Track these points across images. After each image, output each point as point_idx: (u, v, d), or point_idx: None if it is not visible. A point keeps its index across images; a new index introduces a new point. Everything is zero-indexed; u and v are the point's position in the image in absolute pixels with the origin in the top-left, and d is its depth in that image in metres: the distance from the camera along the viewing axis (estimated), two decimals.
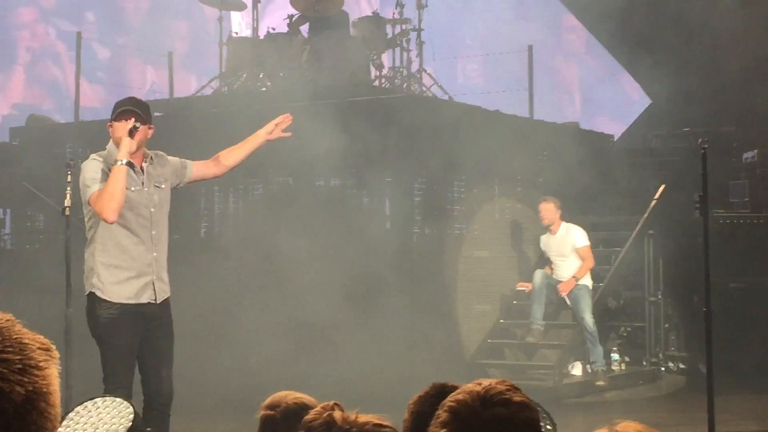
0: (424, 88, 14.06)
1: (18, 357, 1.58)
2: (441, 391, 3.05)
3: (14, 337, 1.61)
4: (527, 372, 11.87)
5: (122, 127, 6.42)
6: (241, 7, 14.78)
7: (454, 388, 3.04)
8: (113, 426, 4.42)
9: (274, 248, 11.92)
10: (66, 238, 7.24)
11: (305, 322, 11.42)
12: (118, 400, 4.58)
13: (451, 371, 10.91)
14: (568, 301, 12.01)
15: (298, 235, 11.82)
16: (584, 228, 12.09)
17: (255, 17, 14.14)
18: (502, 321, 12.69)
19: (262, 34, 14.06)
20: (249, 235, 12.50)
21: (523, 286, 12.38)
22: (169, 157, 6.78)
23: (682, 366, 12.56)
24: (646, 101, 17.80)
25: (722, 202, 13.00)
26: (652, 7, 14.75)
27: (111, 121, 6.53)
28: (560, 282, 12.00)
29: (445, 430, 2.31)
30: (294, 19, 13.96)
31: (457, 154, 12.26)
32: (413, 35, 14.12)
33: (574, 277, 11.88)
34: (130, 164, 6.43)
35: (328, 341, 11.22)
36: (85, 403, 4.54)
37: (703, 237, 7.60)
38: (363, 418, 2.69)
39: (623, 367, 12.51)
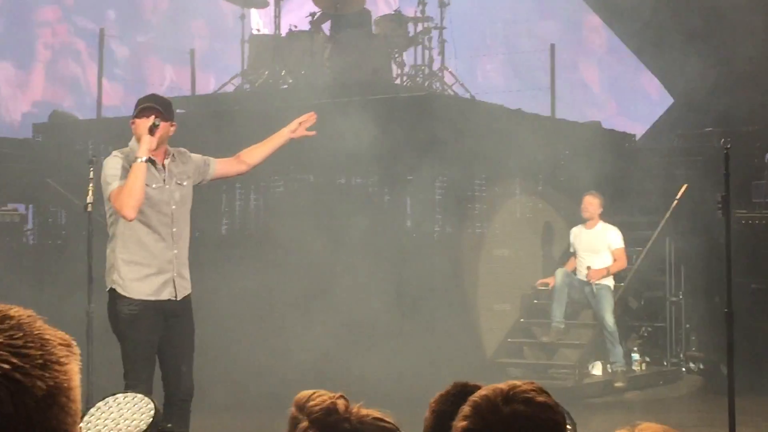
0: (446, 87, 14.05)
1: (39, 352, 1.59)
2: (462, 390, 3.06)
3: (35, 332, 1.62)
4: (547, 371, 11.86)
5: (143, 124, 6.44)
6: (263, 5, 14.80)
7: (476, 387, 3.05)
8: (134, 421, 4.45)
9: (295, 246, 11.93)
10: (88, 234, 7.27)
11: (328, 320, 11.42)
12: (138, 396, 4.61)
13: (472, 370, 10.91)
14: (590, 301, 12.01)
15: (319, 233, 11.83)
16: None
17: (277, 14, 14.16)
18: (522, 320, 12.68)
19: (283, 31, 14.08)
20: (270, 233, 12.52)
21: (544, 283, 12.39)
22: (192, 155, 6.80)
23: (702, 367, 12.52)
24: (668, 101, 17.74)
25: (744, 203, 12.93)
26: (675, 5, 14.71)
27: (133, 118, 6.55)
28: (582, 280, 12.00)
29: (465, 422, 2.33)
30: (316, 16, 13.98)
31: (479, 152, 12.25)
32: (435, 33, 14.12)
33: (606, 268, 11.91)
34: (151, 161, 6.45)
35: (347, 339, 11.22)
36: (106, 399, 4.57)
37: (725, 237, 7.57)
38: (364, 410, 2.71)
39: (644, 367, 12.48)
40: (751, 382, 10.24)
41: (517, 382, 2.40)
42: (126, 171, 6.39)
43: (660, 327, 12.84)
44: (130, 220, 6.36)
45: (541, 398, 2.36)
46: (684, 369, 12.64)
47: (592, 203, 12.09)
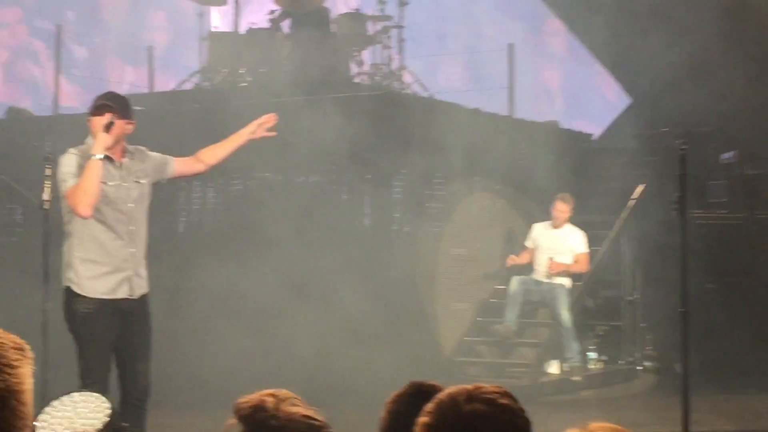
0: (405, 86, 14.07)
1: None
2: (418, 390, 3.07)
3: None
4: (504, 370, 11.90)
5: (99, 121, 6.41)
6: (222, 3, 14.75)
7: (432, 386, 3.06)
8: (90, 420, 4.42)
9: (253, 244, 11.91)
10: (44, 232, 7.22)
11: (278, 317, 11.41)
12: (95, 394, 4.58)
13: (429, 369, 10.93)
14: (545, 298, 12.08)
15: (276, 231, 11.81)
16: None
17: (236, 13, 14.12)
18: (479, 319, 12.72)
19: (242, 29, 14.04)
20: (228, 230, 12.49)
21: (513, 261, 12.38)
22: (151, 153, 6.77)
23: (658, 365, 12.61)
24: (625, 101, 17.85)
25: (700, 203, 13.06)
26: (633, 6, 14.80)
27: (89, 116, 6.52)
28: (538, 280, 12.08)
29: (426, 418, 2.35)
30: (275, 14, 13.95)
31: (437, 151, 12.27)
32: (394, 32, 14.13)
33: (568, 266, 12.02)
34: (108, 159, 6.42)
35: (297, 335, 11.21)
36: (61, 398, 4.53)
37: (681, 237, 7.63)
38: (294, 408, 2.72)
39: (600, 366, 12.55)
40: (705, 381, 10.33)
41: (484, 385, 2.41)
42: (82, 168, 6.35)
43: (616, 326, 12.91)
44: (85, 218, 6.33)
45: (503, 400, 2.37)
46: (639, 368, 12.73)
47: (563, 211, 12.15)
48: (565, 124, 15.41)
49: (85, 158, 6.40)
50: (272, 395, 2.75)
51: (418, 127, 12.27)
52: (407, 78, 14.13)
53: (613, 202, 12.97)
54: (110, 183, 6.44)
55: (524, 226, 12.74)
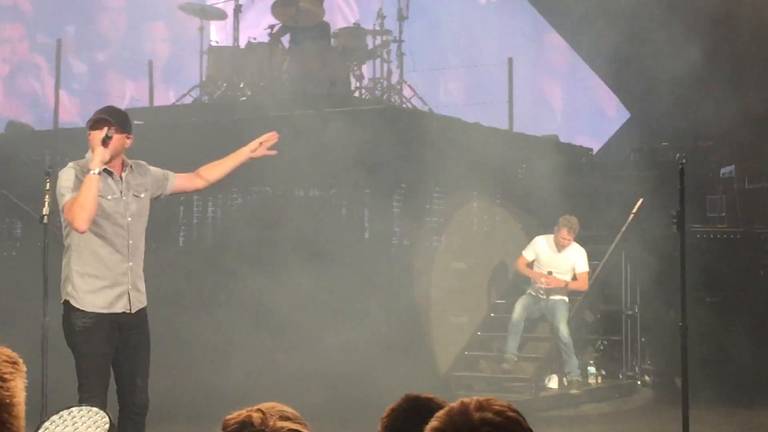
0: (404, 100, 14.10)
1: None
2: (414, 404, 3.05)
3: None
4: (504, 384, 11.89)
5: (97, 135, 6.41)
6: (222, 17, 14.78)
7: (428, 399, 3.05)
8: None
9: (252, 258, 11.91)
10: (44, 246, 7.22)
11: (282, 331, 11.40)
12: (93, 409, 4.57)
13: (428, 383, 10.92)
14: (545, 314, 12.07)
15: (276, 246, 11.82)
16: None
17: (236, 27, 14.15)
18: (479, 333, 12.71)
19: (242, 43, 14.07)
20: (227, 245, 12.49)
21: (540, 280, 12.15)
22: (151, 168, 6.76)
23: (657, 380, 12.60)
24: (625, 116, 17.87)
25: (699, 217, 13.06)
26: (632, 21, 14.83)
27: (89, 130, 6.52)
28: (537, 297, 12.10)
29: (436, 422, 2.35)
30: (275, 29, 13.98)
31: (436, 165, 12.28)
32: (394, 47, 14.16)
33: (567, 282, 12.03)
34: (108, 173, 6.42)
35: (301, 350, 11.21)
36: (60, 413, 4.53)
37: (680, 251, 7.64)
38: (282, 423, 2.72)
39: (600, 380, 12.53)
40: (705, 395, 10.33)
41: (495, 399, 2.42)
42: (80, 183, 6.35)
43: (616, 340, 12.91)
44: (82, 233, 6.32)
45: (512, 414, 2.38)
46: (639, 382, 12.72)
47: (568, 239, 12.04)
48: (565, 138, 15.42)
49: (84, 172, 6.40)
50: (260, 410, 2.75)
51: (417, 141, 12.29)
52: (407, 92, 14.16)
53: (612, 216, 12.97)
54: (109, 197, 6.43)
55: (524, 240, 12.72)
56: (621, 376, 12.76)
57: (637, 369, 12.78)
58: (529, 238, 12.56)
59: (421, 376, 11.26)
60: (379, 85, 14.04)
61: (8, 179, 13.00)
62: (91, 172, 6.30)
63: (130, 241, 6.51)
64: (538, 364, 12.09)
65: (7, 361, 1.64)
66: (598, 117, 19.10)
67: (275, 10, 13.88)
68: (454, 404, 2.39)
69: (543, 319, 12.23)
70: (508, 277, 12.97)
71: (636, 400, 12.25)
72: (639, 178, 13.83)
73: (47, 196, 7.08)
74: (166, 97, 16.03)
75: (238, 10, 14.07)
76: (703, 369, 10.35)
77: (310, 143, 11.63)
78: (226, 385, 10.89)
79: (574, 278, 12.15)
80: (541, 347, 12.32)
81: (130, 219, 6.51)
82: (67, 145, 12.67)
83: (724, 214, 13.27)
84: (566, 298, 12.07)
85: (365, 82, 14.07)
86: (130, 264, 6.51)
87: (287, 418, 2.81)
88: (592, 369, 12.43)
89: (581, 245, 12.21)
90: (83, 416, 4.52)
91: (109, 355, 6.41)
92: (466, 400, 2.39)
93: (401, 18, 14.13)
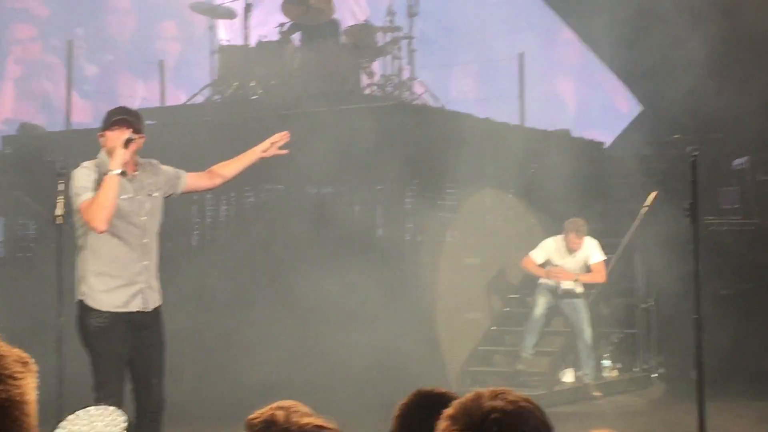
0: (415, 96, 14.09)
1: None
2: (426, 398, 3.06)
3: None
4: (519, 379, 11.88)
5: (115, 136, 6.42)
6: (232, 16, 14.79)
7: (440, 394, 3.06)
8: None
9: (267, 256, 11.93)
10: (58, 246, 7.24)
11: (298, 328, 11.42)
12: (110, 408, 4.59)
13: (442, 379, 10.94)
14: (567, 313, 11.97)
15: (290, 243, 11.84)
16: None
17: (246, 26, 14.17)
18: (493, 328, 12.71)
19: (253, 42, 14.09)
20: (241, 243, 12.51)
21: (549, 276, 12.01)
22: (163, 167, 6.78)
23: (672, 372, 12.58)
24: (636, 110, 17.84)
25: (713, 209, 13.04)
26: (642, 14, 14.81)
27: (103, 131, 6.53)
28: (557, 294, 11.92)
29: (451, 409, 2.37)
30: (285, 27, 13.99)
31: (448, 161, 12.29)
32: (404, 43, 14.16)
33: (577, 276, 11.88)
34: (122, 172, 6.44)
35: (316, 347, 11.23)
36: (77, 412, 4.55)
37: (693, 244, 7.62)
38: (306, 419, 2.72)
39: (615, 373, 12.52)
40: (720, 388, 10.30)
41: (512, 390, 2.43)
42: (96, 183, 6.37)
43: (630, 333, 12.89)
44: (101, 233, 6.34)
45: (526, 404, 2.38)
46: (654, 375, 12.70)
47: (576, 242, 11.84)
48: (577, 132, 15.41)
49: (98, 172, 6.42)
50: (281, 408, 2.76)
51: (429, 137, 12.29)
52: (418, 88, 14.15)
53: (625, 209, 12.95)
54: (123, 196, 6.45)
55: (537, 235, 12.70)
56: (636, 369, 12.75)
57: (652, 362, 12.77)
58: (543, 233, 12.52)
59: (435, 371, 11.27)
60: (389, 82, 14.04)
61: (22, 180, 13.05)
62: (112, 172, 6.33)
63: (145, 240, 6.53)
64: (552, 358, 12.08)
65: (17, 361, 1.68)
66: (610, 111, 19.08)
67: (285, 8, 13.89)
68: (469, 394, 2.41)
69: (558, 313, 12.18)
70: (521, 272, 12.96)
71: (651, 393, 12.23)
72: (651, 172, 13.81)
73: (60, 197, 7.11)
74: (176, 96, 16.06)
75: (248, 9, 14.08)
76: (718, 361, 10.31)
77: (321, 141, 11.64)
78: (247, 383, 10.92)
79: (589, 271, 12.09)
80: (555, 341, 12.31)
81: (144, 218, 6.53)
82: (80, 146, 12.69)
83: (737, 206, 13.25)
84: (581, 288, 11.95)
85: (376, 78, 14.07)
86: (145, 263, 6.53)
87: (308, 415, 2.82)
88: (607, 362, 12.41)
89: (596, 238, 12.16)
90: (100, 415, 4.53)
91: (124, 354, 6.43)
92: (482, 390, 2.40)
93: (411, 14, 14.13)
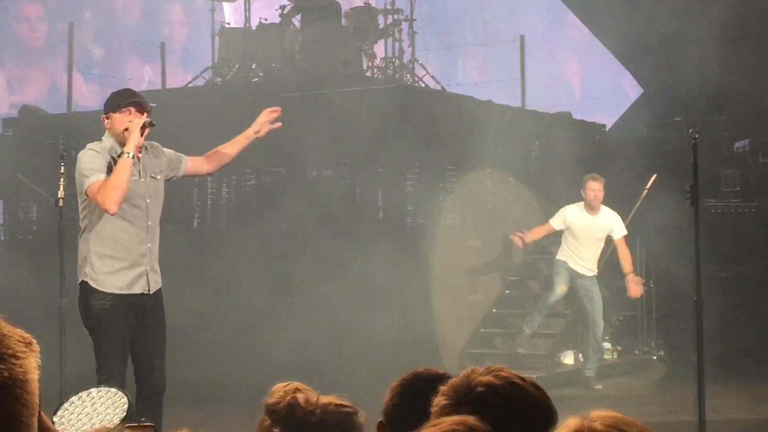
0: (417, 78, 14.09)
1: None
2: (420, 377, 3.08)
3: None
4: (519, 361, 11.90)
5: (123, 119, 6.44)
6: None
7: (433, 372, 3.08)
8: (107, 416, 4.47)
9: (267, 239, 11.95)
10: (59, 228, 7.27)
11: (299, 309, 11.45)
12: (112, 390, 4.63)
13: (443, 361, 10.97)
14: (583, 299, 11.51)
15: (290, 226, 11.85)
16: None
17: (247, 8, 14.15)
18: (494, 310, 12.73)
19: (253, 24, 14.07)
20: (242, 226, 12.53)
21: (520, 240, 11.60)
22: (165, 150, 6.80)
23: (672, 355, 12.61)
24: (638, 91, 17.84)
25: (713, 192, 13.03)
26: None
27: (109, 113, 6.53)
28: (576, 271, 11.42)
29: (445, 386, 2.38)
30: (286, 9, 13.98)
31: (450, 143, 12.30)
32: (405, 25, 14.15)
33: (630, 272, 11.40)
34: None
35: (316, 329, 11.25)
36: (79, 393, 4.58)
37: (694, 226, 7.64)
38: (324, 399, 2.74)
39: (615, 356, 12.54)
40: (720, 370, 10.33)
41: (508, 369, 2.44)
42: (103, 165, 6.38)
43: (631, 316, 12.91)
44: (112, 215, 6.35)
45: (519, 381, 2.39)
46: (654, 357, 12.73)
47: (599, 190, 11.25)
48: (578, 115, 15.40)
49: (105, 155, 6.43)
50: (297, 389, 2.77)
51: (430, 119, 12.29)
52: (419, 71, 14.15)
53: (626, 192, 12.95)
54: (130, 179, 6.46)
55: (538, 217, 12.72)
56: (636, 352, 12.78)
57: (652, 344, 12.80)
58: (544, 215, 12.50)
59: (436, 353, 11.31)
60: (391, 65, 14.04)
61: (23, 163, 13.06)
62: (126, 155, 6.34)
63: (149, 223, 6.55)
64: (553, 340, 12.11)
65: (20, 341, 1.73)
66: (612, 93, 19.08)
67: None
68: (466, 371, 2.43)
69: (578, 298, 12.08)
70: (522, 254, 12.96)
71: (651, 375, 12.26)
72: (652, 154, 13.81)
73: (62, 180, 7.12)
74: (183, 80, 16.07)
75: None
76: (718, 343, 10.34)
77: (322, 123, 11.65)
78: (247, 364, 10.96)
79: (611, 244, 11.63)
80: (556, 323, 12.33)
81: (148, 200, 6.55)
82: (81, 128, 12.71)
83: (738, 189, 13.24)
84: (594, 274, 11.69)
85: (377, 61, 14.07)
86: (149, 245, 6.55)
87: (324, 395, 2.85)
88: (607, 345, 12.43)
89: None
90: (102, 397, 4.57)
91: (127, 336, 6.46)
92: (478, 368, 2.42)
93: None
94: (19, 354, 1.71)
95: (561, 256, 11.50)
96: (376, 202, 12.55)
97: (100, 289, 6.41)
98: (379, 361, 9.98)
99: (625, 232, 11.52)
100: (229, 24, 14.84)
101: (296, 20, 14.09)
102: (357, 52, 13.74)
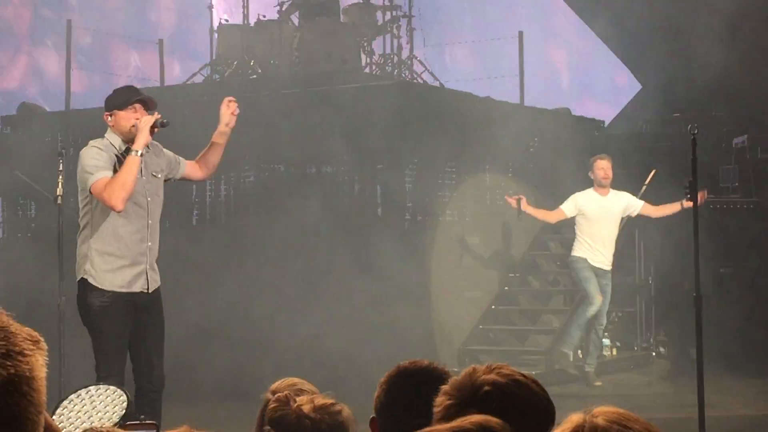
0: (415, 75, 14.08)
1: (2, 343, 1.71)
2: (410, 370, 3.09)
3: (0, 325, 1.74)
4: (518, 357, 11.91)
5: (128, 116, 6.44)
6: None
7: (421, 368, 3.09)
8: (107, 413, 4.47)
9: (266, 236, 11.94)
10: (58, 226, 7.26)
11: (301, 309, 11.44)
12: (111, 388, 4.63)
13: (442, 358, 10.96)
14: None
15: (289, 223, 11.85)
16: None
17: (245, 4, 14.14)
18: (494, 307, 12.73)
19: (252, 21, 14.06)
20: (240, 223, 12.52)
21: (514, 202, 11.10)
22: (165, 150, 6.81)
23: (672, 350, 12.61)
24: (636, 87, 17.84)
25: (712, 187, 13.02)
26: None
27: (113, 110, 6.51)
28: (597, 268, 11.05)
29: (447, 386, 2.38)
30: (284, 6, 13.97)
31: (448, 140, 12.29)
32: (404, 22, 14.14)
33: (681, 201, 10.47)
34: (129, 152, 6.47)
35: (312, 327, 11.24)
36: (78, 391, 4.58)
37: (693, 222, 7.64)
38: (319, 401, 2.76)
39: (614, 352, 12.54)
40: (719, 366, 10.35)
41: (509, 366, 2.44)
42: (107, 162, 6.38)
43: (630, 312, 12.91)
44: (119, 212, 6.35)
45: (521, 378, 2.39)
46: (654, 353, 12.73)
47: (608, 168, 11.00)
48: (577, 110, 15.40)
49: (109, 152, 6.43)
50: (296, 388, 2.80)
51: (428, 116, 12.28)
52: (417, 67, 14.14)
53: (625, 187, 12.95)
54: None
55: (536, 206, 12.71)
56: (635, 348, 12.78)
57: (651, 340, 12.79)
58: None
59: (435, 350, 11.30)
60: (389, 61, 14.03)
61: (21, 160, 13.05)
62: (134, 153, 6.35)
63: (150, 221, 6.56)
64: (552, 336, 12.10)
65: (28, 339, 1.76)
66: (611, 88, 19.07)
67: None
68: (466, 369, 2.42)
69: (558, 291, 12.13)
70: (521, 250, 12.96)
71: (651, 371, 12.26)
72: (651, 150, 13.81)
73: (61, 177, 7.12)
74: (171, 67, 15.99)
75: None
76: (718, 339, 10.36)
77: (321, 120, 11.64)
78: (247, 363, 10.95)
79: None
80: (555, 319, 12.33)
81: (149, 199, 6.55)
82: (80, 126, 12.71)
83: (737, 185, 13.24)
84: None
85: (375, 57, 14.06)
86: (149, 243, 6.55)
87: (315, 393, 2.87)
88: (606, 341, 12.42)
89: None
90: (101, 395, 4.57)
91: (126, 334, 6.46)
92: (479, 366, 2.42)
93: None
94: (26, 351, 1.75)
95: (579, 252, 11.17)
96: (375, 198, 12.54)
97: (99, 286, 6.42)
98: (373, 357, 9.97)
99: (643, 201, 11.15)
100: (227, 21, 14.83)
101: (295, 17, 14.08)
102: (355, 49, 13.73)
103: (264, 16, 13.99)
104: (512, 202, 11.14)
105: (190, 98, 13.28)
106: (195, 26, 16.57)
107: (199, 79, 14.33)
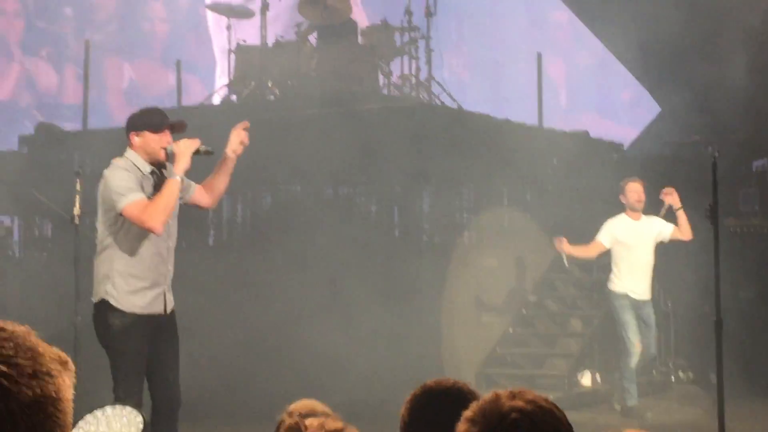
0: (433, 97, 14.06)
1: (29, 362, 1.71)
2: (434, 389, 3.08)
3: (28, 345, 1.74)
4: (536, 381, 11.83)
5: (159, 139, 6.41)
6: (249, 15, 14.77)
7: (443, 386, 3.06)
8: None
9: (283, 256, 11.91)
10: (75, 246, 7.23)
11: (319, 330, 11.40)
12: (127, 408, 4.56)
13: (459, 380, 10.88)
14: (640, 325, 10.83)
15: (306, 244, 11.81)
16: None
17: (263, 25, 14.14)
18: (511, 330, 12.66)
19: (270, 42, 14.06)
20: (257, 244, 12.49)
21: (566, 247, 10.65)
22: None
23: (692, 375, 12.51)
24: (656, 110, 17.79)
25: (732, 211, 12.97)
26: (661, 15, 14.75)
27: (143, 130, 6.47)
28: (636, 300, 10.78)
29: (469, 412, 2.34)
30: (302, 27, 13.97)
31: (466, 162, 12.25)
32: (422, 43, 14.12)
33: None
34: (154, 173, 6.46)
35: (333, 348, 11.20)
36: (94, 412, 4.53)
37: (713, 246, 7.57)
38: (330, 425, 2.74)
39: None
40: (740, 390, 10.25)
41: (529, 390, 2.41)
42: (136, 183, 6.34)
43: None
44: (158, 234, 6.34)
45: (545, 404, 2.36)
46: (673, 378, 12.63)
47: (641, 191, 10.75)
48: (595, 133, 15.34)
49: (134, 172, 6.40)
50: (297, 424, 2.79)
51: (446, 137, 12.25)
52: (435, 89, 14.12)
53: (645, 211, 12.88)
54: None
55: (555, 236, 12.64)
56: (654, 372, 12.68)
57: (670, 364, 12.70)
58: (560, 235, 12.35)
59: (452, 373, 11.23)
60: (407, 83, 14.00)
61: (38, 180, 13.06)
62: (175, 177, 6.35)
63: (170, 243, 6.55)
64: (571, 360, 12.02)
65: (55, 359, 1.75)
66: (630, 111, 19.03)
67: (302, 8, 13.86)
68: (487, 395, 2.39)
69: (575, 314, 12.04)
70: (539, 273, 12.88)
71: (670, 396, 12.17)
72: (671, 172, 13.73)
73: (77, 197, 7.09)
74: (165, 76, 15.95)
75: (265, 8, 14.04)
76: (738, 364, 10.27)
77: (338, 141, 11.61)
78: (265, 383, 10.90)
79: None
80: (573, 343, 12.25)
81: (170, 221, 6.52)
82: (97, 145, 12.70)
83: (757, 208, 13.17)
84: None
85: (394, 79, 14.03)
86: (169, 266, 6.55)
87: (314, 414, 2.84)
88: None
89: None
90: (117, 415, 4.51)
91: (144, 355, 6.44)
92: (500, 390, 2.38)
93: (429, 14, 14.08)
94: (53, 372, 1.74)
95: (619, 286, 10.81)
96: (392, 220, 12.50)
97: (120, 308, 6.39)
98: (391, 379, 9.91)
99: (672, 225, 10.87)
100: (244, 41, 14.83)
101: (313, 38, 14.07)
102: (373, 70, 13.71)
103: (282, 37, 14.00)
104: (565, 248, 10.70)
105: (208, 119, 13.27)
106: (185, 29, 16.49)
107: (216, 100, 14.33)
